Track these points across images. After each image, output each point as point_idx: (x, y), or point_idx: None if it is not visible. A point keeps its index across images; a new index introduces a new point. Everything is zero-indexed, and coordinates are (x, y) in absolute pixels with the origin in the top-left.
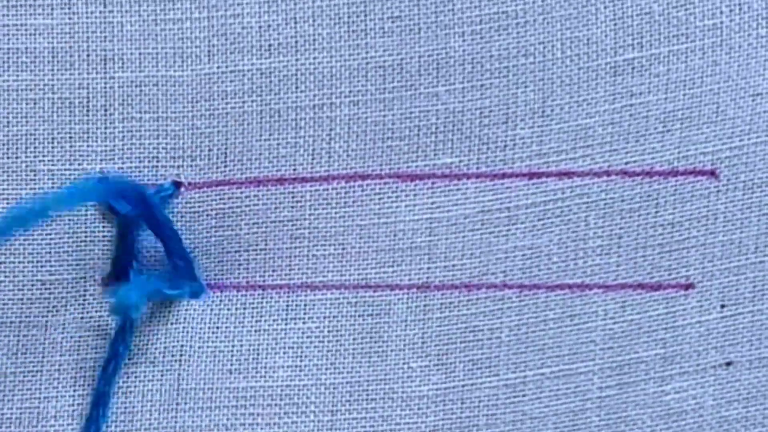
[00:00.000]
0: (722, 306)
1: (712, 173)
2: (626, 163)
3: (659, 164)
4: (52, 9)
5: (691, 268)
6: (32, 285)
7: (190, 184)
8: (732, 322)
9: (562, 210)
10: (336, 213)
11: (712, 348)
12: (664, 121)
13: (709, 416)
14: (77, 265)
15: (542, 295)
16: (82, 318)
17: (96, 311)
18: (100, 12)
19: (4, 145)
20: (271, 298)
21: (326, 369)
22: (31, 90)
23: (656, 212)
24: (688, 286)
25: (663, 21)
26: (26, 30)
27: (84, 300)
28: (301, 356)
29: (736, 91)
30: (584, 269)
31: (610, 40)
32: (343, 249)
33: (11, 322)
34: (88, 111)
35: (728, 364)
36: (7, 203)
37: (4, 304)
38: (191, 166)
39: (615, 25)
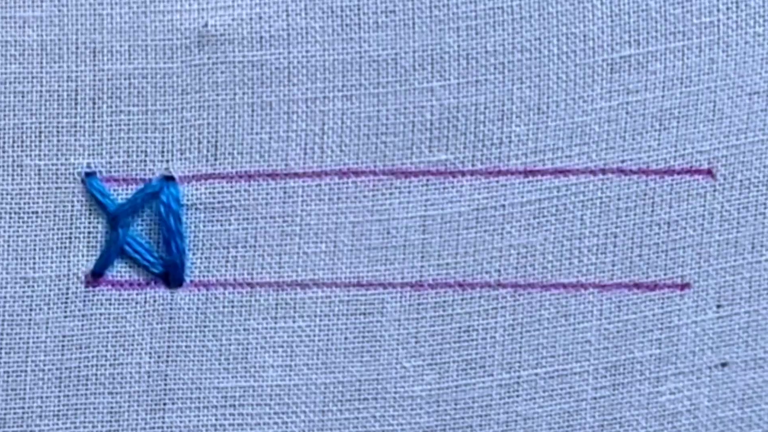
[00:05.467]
0: (718, 306)
1: (709, 172)
2: (622, 161)
3: (655, 163)
4: (42, 0)
5: (687, 268)
6: (15, 282)
7: (179, 177)
8: (728, 323)
9: (557, 208)
10: (328, 209)
11: (708, 348)
12: (661, 119)
13: (704, 417)
14: (60, 262)
15: (537, 295)
16: (65, 316)
17: (79, 309)
18: (90, 4)
19: None
20: (261, 295)
21: (317, 368)
22: (19, 82)
23: (652, 211)
24: (684, 286)
25: (659, 18)
26: (15, 21)
27: (67, 297)
28: (291, 355)
29: (733, 90)
30: (579, 268)
31: (606, 36)
32: (335, 246)
33: None
34: (76, 104)
35: (724, 364)
36: None
37: None
38: (180, 159)
39: (611, 21)
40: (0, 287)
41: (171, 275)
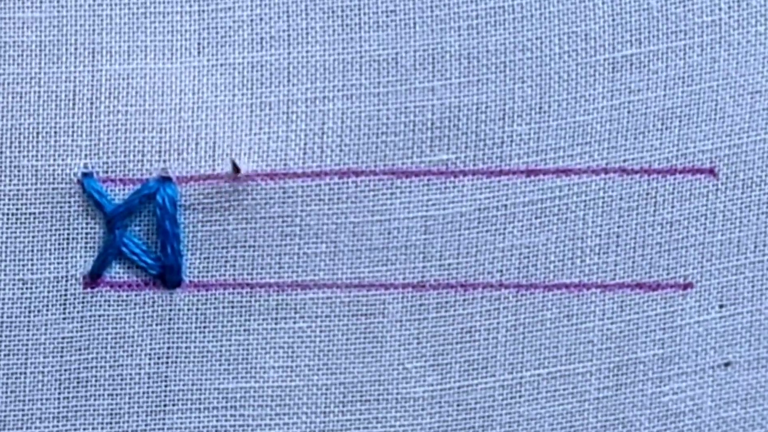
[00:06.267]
0: (721, 306)
1: (711, 171)
2: (624, 161)
3: (657, 162)
4: (40, 1)
5: (690, 268)
6: (14, 284)
7: (177, 178)
8: (731, 322)
9: (559, 208)
10: (328, 210)
11: (711, 348)
12: (663, 119)
13: (707, 417)
14: (59, 263)
15: (539, 295)
16: (64, 318)
17: (78, 311)
18: (89, 4)
19: None
20: (261, 296)
21: (318, 370)
22: (17, 83)
23: (654, 211)
24: (687, 286)
25: (661, 17)
26: (13, 22)
27: (66, 299)
28: (292, 357)
29: (735, 89)
30: (582, 268)
31: (608, 36)
32: (336, 247)
33: None
34: (74, 105)
35: (727, 364)
36: None
37: None
38: (179, 160)
39: (613, 20)
40: None
41: (168, 276)
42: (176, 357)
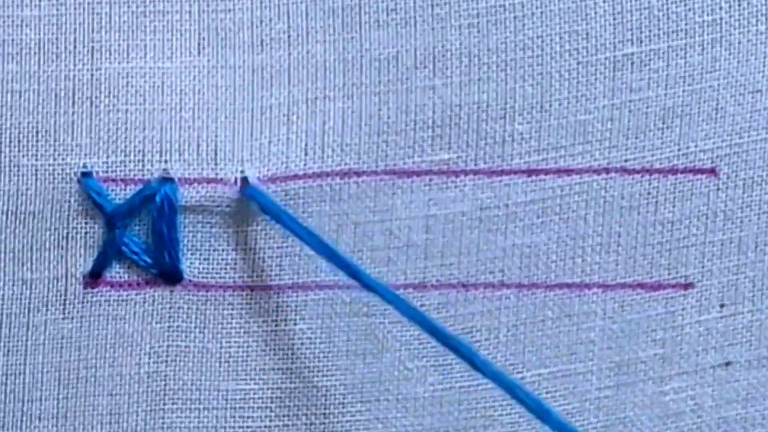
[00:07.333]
0: (721, 305)
1: (712, 171)
2: (625, 161)
3: (659, 161)
4: (39, 0)
5: (691, 267)
6: (13, 284)
7: (179, 179)
8: (731, 322)
9: (560, 207)
10: (330, 210)
11: (711, 348)
12: (664, 118)
13: (707, 417)
14: (58, 263)
15: (540, 295)
16: (64, 317)
17: (78, 310)
18: (88, 3)
19: None
20: (261, 298)
21: (319, 371)
22: (16, 81)
23: (655, 210)
24: (688, 286)
25: (662, 16)
26: (13, 21)
27: (65, 299)
28: (292, 358)
29: (736, 88)
30: (583, 268)
31: (609, 34)
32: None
33: None
34: (74, 103)
35: (727, 364)
36: None
37: None
38: (179, 161)
39: (614, 19)
40: None
41: (168, 276)
42: (176, 356)
